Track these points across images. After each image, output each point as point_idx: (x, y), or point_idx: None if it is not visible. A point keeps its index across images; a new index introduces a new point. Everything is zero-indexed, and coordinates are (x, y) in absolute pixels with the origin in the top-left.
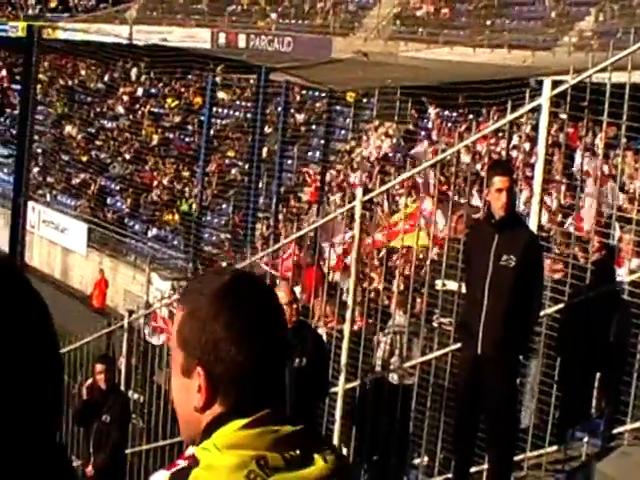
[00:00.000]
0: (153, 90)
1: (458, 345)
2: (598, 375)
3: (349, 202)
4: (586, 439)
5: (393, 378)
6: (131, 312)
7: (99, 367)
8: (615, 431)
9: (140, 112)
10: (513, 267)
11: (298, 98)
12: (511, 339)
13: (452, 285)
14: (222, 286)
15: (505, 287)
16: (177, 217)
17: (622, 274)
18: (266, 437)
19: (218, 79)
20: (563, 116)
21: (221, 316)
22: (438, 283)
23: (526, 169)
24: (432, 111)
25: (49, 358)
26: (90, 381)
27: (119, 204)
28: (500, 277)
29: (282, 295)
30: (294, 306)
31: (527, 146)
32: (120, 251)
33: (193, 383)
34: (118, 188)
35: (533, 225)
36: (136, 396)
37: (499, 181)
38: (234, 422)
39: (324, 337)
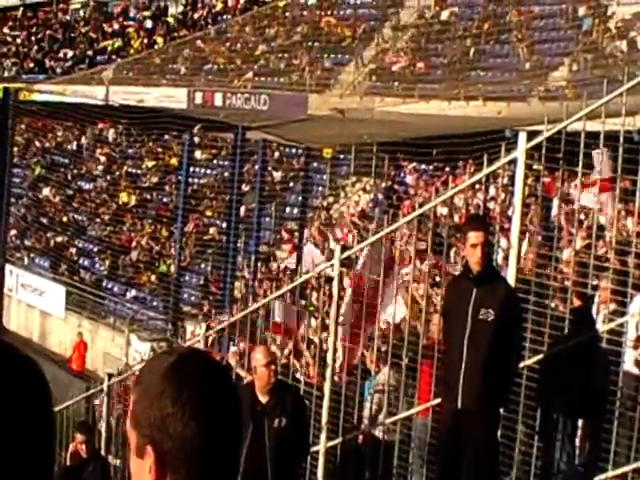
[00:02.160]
0: (130, 151)
1: (438, 400)
2: (580, 423)
3: (327, 260)
4: None
5: (379, 435)
6: (110, 375)
7: (79, 437)
8: (597, 479)
9: (117, 173)
10: (492, 320)
11: (275, 155)
12: (491, 392)
13: None
14: (169, 364)
15: (484, 340)
16: (155, 278)
17: (599, 321)
18: None
19: (196, 139)
20: (539, 166)
21: (167, 392)
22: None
23: (504, 220)
24: (409, 166)
25: (46, 438)
26: (72, 446)
27: (97, 266)
28: (479, 330)
29: (260, 357)
30: (272, 367)
31: (504, 196)
32: (99, 313)
33: (145, 463)
34: (96, 250)
35: (511, 276)
36: (117, 461)
37: (474, 236)
38: None
39: (304, 395)
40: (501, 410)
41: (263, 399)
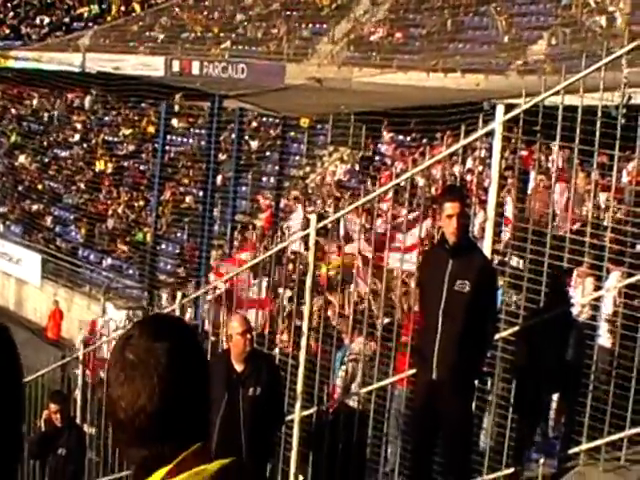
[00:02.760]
0: (107, 119)
1: (413, 370)
2: (554, 397)
3: (303, 229)
4: (542, 460)
5: (352, 405)
6: (86, 343)
7: (53, 407)
8: (571, 452)
9: (94, 141)
10: (467, 292)
11: (252, 124)
12: (466, 363)
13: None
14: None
15: (459, 311)
16: (131, 246)
17: (576, 296)
18: None
19: (176, 107)
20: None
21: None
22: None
23: (480, 192)
24: (386, 136)
25: (13, 396)
26: (46, 413)
27: (73, 234)
28: (454, 302)
29: (236, 325)
30: (248, 336)
31: (481, 169)
32: (75, 282)
33: None
34: (72, 218)
35: (487, 248)
36: (92, 430)
37: (450, 207)
38: (156, 473)
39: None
40: (476, 382)
41: (238, 368)
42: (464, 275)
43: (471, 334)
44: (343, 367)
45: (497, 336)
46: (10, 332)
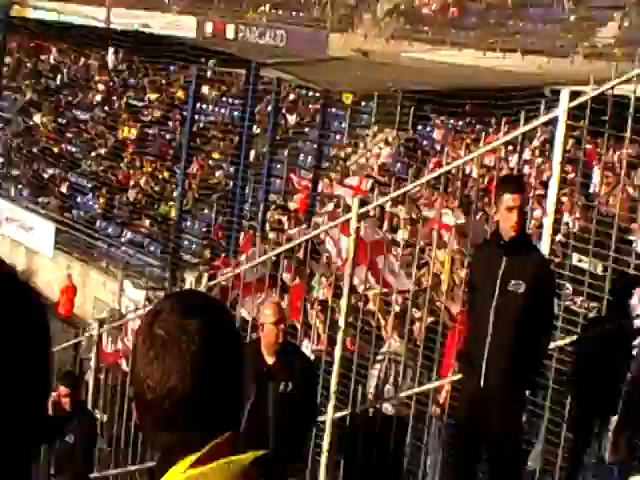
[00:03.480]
0: (132, 81)
1: (459, 376)
2: (613, 417)
3: (344, 214)
4: None
5: (387, 409)
6: (102, 322)
7: (63, 390)
8: None
9: (117, 104)
10: (522, 293)
11: (290, 97)
12: (517, 372)
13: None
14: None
15: (512, 314)
16: (154, 221)
17: None
18: (221, 474)
19: (209, 73)
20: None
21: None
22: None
23: (538, 186)
24: (436, 119)
25: (41, 370)
26: (54, 396)
27: (91, 203)
28: (507, 303)
29: (269, 313)
30: (281, 326)
31: (539, 160)
32: (90, 255)
33: None
34: (90, 186)
35: (545, 249)
36: (104, 416)
37: (510, 199)
38: (183, 461)
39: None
40: (527, 393)
41: (269, 360)
42: (519, 274)
43: (524, 340)
44: (377, 366)
45: (552, 344)
46: (37, 294)
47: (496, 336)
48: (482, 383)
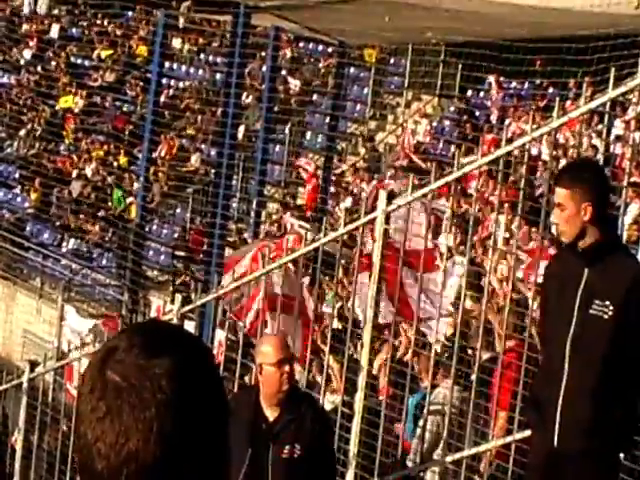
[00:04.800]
0: (74, 31)
1: (526, 433)
2: None
3: (367, 213)
4: None
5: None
6: (34, 364)
7: None
8: None
9: (54, 63)
10: (610, 318)
11: (293, 54)
12: (606, 426)
13: None
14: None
15: (597, 346)
16: (107, 224)
17: None
18: None
19: (181, 20)
20: None
21: None
22: None
23: (634, 172)
24: (492, 81)
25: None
26: None
27: (19, 200)
28: (590, 331)
29: (269, 351)
30: (286, 368)
31: (638, 137)
32: (18, 271)
33: None
34: (17, 176)
35: None
36: None
37: (558, 193)
38: None
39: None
40: (621, 456)
41: (270, 414)
42: (606, 293)
43: (614, 381)
44: (420, 422)
45: None
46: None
47: (574, 377)
48: (555, 442)
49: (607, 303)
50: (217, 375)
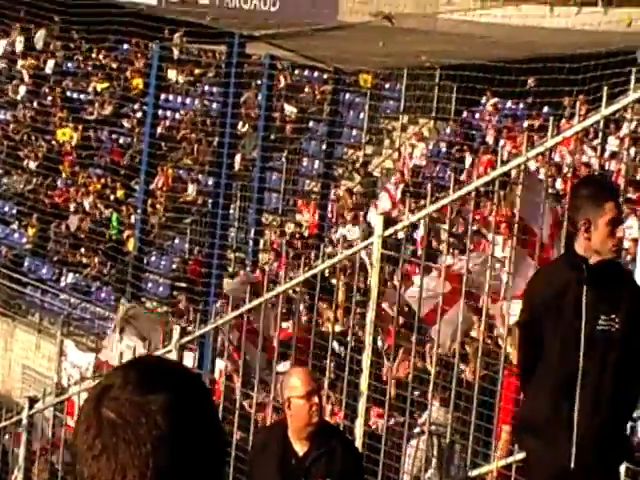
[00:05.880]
0: (70, 65)
1: (521, 455)
2: None
3: (364, 239)
4: None
5: None
6: (34, 401)
7: None
8: None
9: (50, 98)
10: (617, 331)
11: (288, 81)
12: (618, 439)
13: None
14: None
15: (609, 361)
16: (105, 257)
17: None
18: None
19: (175, 52)
20: None
21: None
22: None
23: (630, 189)
24: (488, 102)
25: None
26: None
27: (16, 236)
28: (599, 347)
29: (297, 384)
30: (315, 400)
31: (632, 153)
32: (17, 307)
33: None
34: (15, 212)
35: None
36: None
37: (614, 208)
38: None
39: None
40: (622, 469)
41: (299, 449)
42: (611, 307)
43: (623, 393)
44: (413, 443)
45: None
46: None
47: (589, 394)
48: (572, 464)
49: (614, 317)
50: (213, 410)
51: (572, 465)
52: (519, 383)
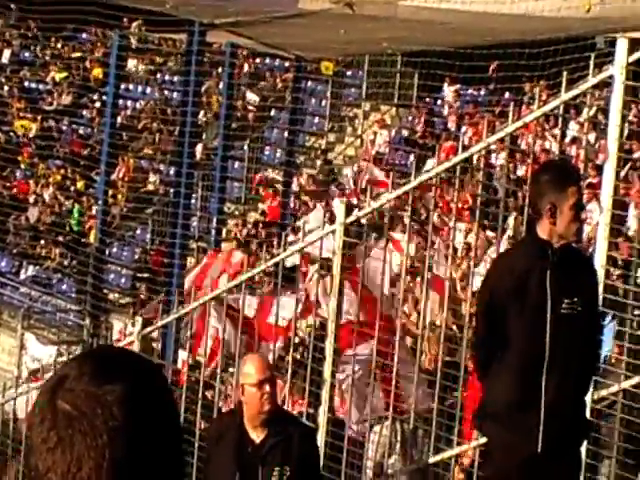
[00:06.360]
0: (27, 55)
1: (482, 440)
2: None
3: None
4: None
5: None
6: None
7: None
8: None
9: (6, 88)
10: (579, 313)
11: (250, 69)
12: (582, 423)
13: None
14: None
15: (573, 344)
16: (65, 249)
17: None
18: None
19: (133, 40)
20: None
21: None
22: None
23: (591, 173)
24: (449, 89)
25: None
26: None
27: None
28: (564, 331)
29: (251, 372)
30: (267, 389)
31: (592, 138)
32: None
33: None
34: None
35: (600, 257)
36: None
37: (576, 192)
38: None
39: None
40: (582, 451)
41: (256, 436)
42: (573, 290)
43: (586, 377)
44: (376, 429)
45: (615, 387)
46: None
47: (555, 379)
48: (539, 448)
49: (576, 299)
50: (170, 399)
51: (539, 449)
52: (477, 369)
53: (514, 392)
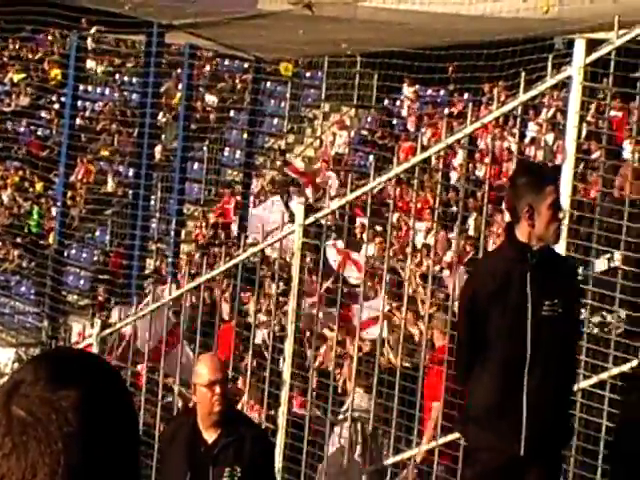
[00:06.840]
0: None
1: (453, 437)
2: None
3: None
4: None
5: None
6: None
7: None
8: None
9: None
10: (559, 315)
11: (211, 70)
12: (565, 426)
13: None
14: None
15: (554, 346)
16: (24, 251)
17: None
18: None
19: (89, 42)
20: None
21: None
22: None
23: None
24: (408, 89)
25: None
26: None
27: None
28: (545, 333)
29: (203, 371)
30: (217, 389)
31: (550, 139)
32: None
33: None
34: None
35: (561, 252)
36: None
37: (554, 192)
38: None
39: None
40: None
41: (208, 436)
42: (553, 293)
43: (568, 379)
44: (336, 430)
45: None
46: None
47: (537, 381)
48: (522, 450)
49: (556, 301)
50: (128, 402)
51: (521, 452)
52: (458, 373)
53: (496, 395)
